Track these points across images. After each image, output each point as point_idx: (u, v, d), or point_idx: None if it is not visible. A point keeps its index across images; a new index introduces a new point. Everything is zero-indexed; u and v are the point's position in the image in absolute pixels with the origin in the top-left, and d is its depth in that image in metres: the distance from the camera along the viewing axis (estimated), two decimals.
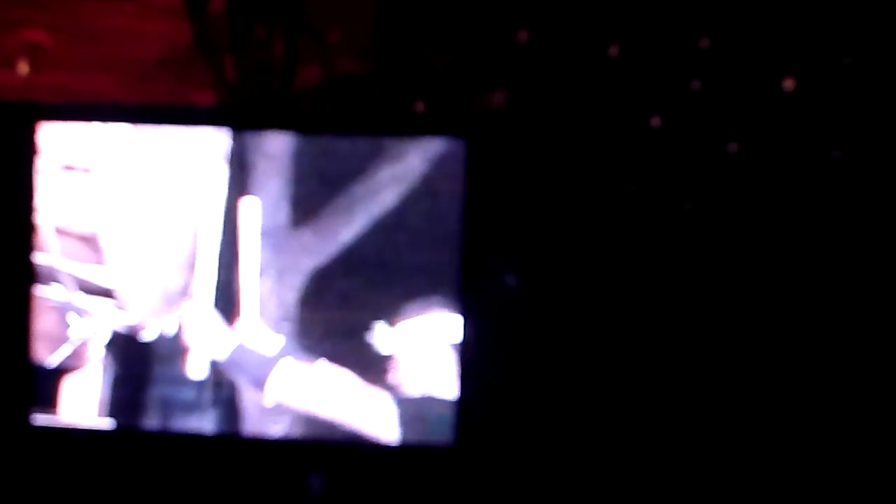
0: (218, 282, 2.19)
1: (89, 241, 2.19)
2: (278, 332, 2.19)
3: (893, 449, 2.26)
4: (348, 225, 2.17)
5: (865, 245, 2.32)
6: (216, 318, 2.17)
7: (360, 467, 2.22)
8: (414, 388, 2.17)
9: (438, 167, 2.16)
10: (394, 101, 2.51)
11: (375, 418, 2.16)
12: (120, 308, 2.20)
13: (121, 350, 2.21)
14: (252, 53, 2.55)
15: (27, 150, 2.19)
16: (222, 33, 2.56)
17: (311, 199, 2.18)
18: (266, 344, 2.16)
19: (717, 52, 2.38)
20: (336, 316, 2.19)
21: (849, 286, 2.32)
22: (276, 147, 2.18)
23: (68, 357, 2.22)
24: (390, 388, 2.16)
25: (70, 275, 2.20)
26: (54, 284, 2.21)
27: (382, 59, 2.54)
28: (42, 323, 2.21)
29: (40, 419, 2.23)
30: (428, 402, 2.17)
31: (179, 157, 2.18)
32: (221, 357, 2.17)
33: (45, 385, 2.22)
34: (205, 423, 2.21)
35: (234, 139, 2.18)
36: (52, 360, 2.22)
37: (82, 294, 2.20)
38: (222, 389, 2.20)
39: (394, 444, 2.18)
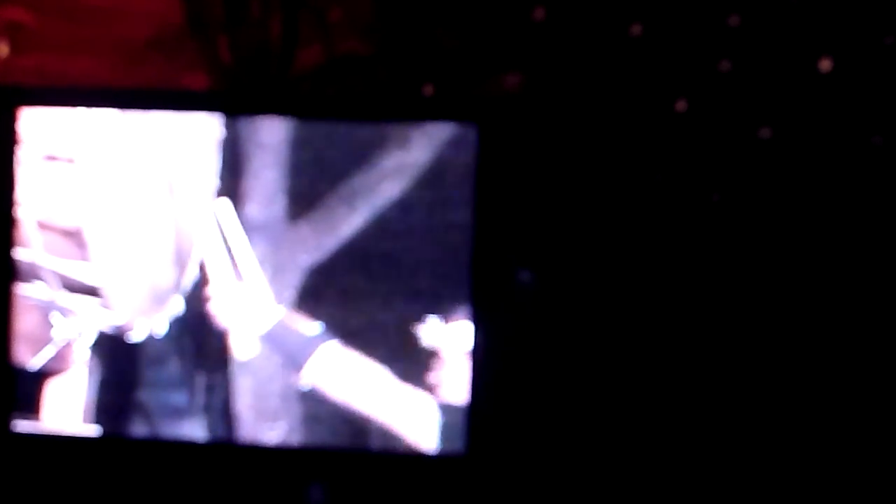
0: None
1: (73, 236, 2.18)
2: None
3: None
4: (349, 218, 2.15)
5: None
6: (255, 290, 2.15)
7: (363, 477, 2.20)
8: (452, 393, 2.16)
9: (448, 155, 2.13)
10: (400, 85, 2.50)
11: (415, 422, 2.15)
12: (106, 307, 2.19)
13: (107, 352, 2.19)
14: (248, 33, 2.57)
15: (6, 139, 2.17)
16: (216, 12, 2.57)
17: (309, 190, 2.16)
18: (306, 325, 2.15)
19: (748, 30, 2.36)
20: (336, 315, 2.16)
21: (893, 282, 2.31)
22: (273, 134, 2.16)
23: (51, 359, 2.20)
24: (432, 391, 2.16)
25: (53, 272, 2.19)
26: (36, 282, 2.19)
27: (387, 39, 2.53)
28: (23, 323, 2.20)
29: (21, 426, 2.21)
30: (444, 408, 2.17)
31: (170, 145, 2.16)
32: (262, 332, 2.15)
33: (26, 389, 2.20)
34: (197, 429, 2.19)
35: (228, 125, 2.16)
36: (34, 362, 2.20)
37: (66, 292, 2.19)
38: (215, 393, 2.18)
39: (400, 453, 2.16)
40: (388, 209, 2.14)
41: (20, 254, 2.18)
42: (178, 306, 2.17)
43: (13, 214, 2.17)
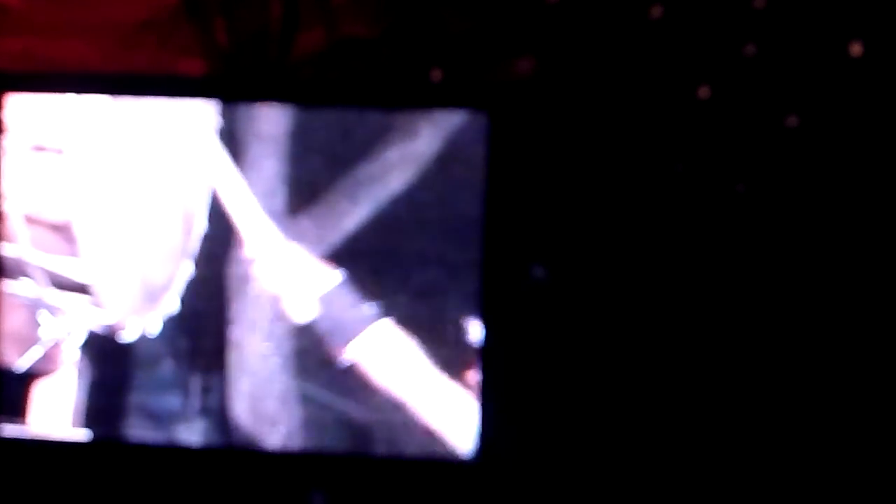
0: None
1: (62, 231, 2.17)
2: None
3: None
4: (352, 211, 2.14)
5: None
6: (302, 253, 2.14)
7: (367, 484, 2.17)
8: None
9: (456, 144, 2.13)
10: (406, 70, 2.49)
11: (455, 418, 2.12)
12: (97, 305, 2.18)
13: (98, 352, 2.19)
14: (246, 16, 2.59)
15: None
16: None
17: (311, 181, 2.14)
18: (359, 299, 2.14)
19: (775, 12, 2.35)
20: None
21: None
22: (273, 122, 2.16)
23: (39, 360, 2.20)
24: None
25: (41, 268, 2.18)
26: (23, 279, 2.18)
27: (394, 22, 2.54)
28: (9, 322, 2.19)
29: (8, 429, 2.20)
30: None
31: (164, 134, 2.16)
32: (320, 293, 2.13)
33: (12, 391, 2.21)
34: (192, 434, 2.17)
35: (226, 113, 2.16)
36: (20, 363, 2.20)
37: (54, 290, 2.18)
38: (211, 395, 2.16)
39: (407, 457, 2.14)
40: (393, 202, 2.12)
41: (6, 249, 2.17)
42: (172, 304, 2.14)
43: None
